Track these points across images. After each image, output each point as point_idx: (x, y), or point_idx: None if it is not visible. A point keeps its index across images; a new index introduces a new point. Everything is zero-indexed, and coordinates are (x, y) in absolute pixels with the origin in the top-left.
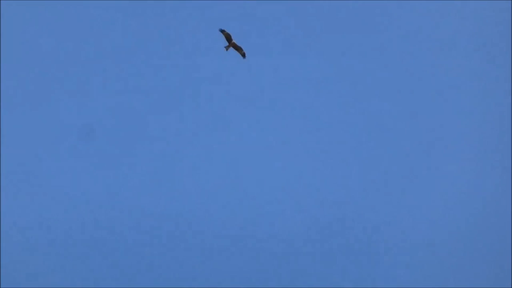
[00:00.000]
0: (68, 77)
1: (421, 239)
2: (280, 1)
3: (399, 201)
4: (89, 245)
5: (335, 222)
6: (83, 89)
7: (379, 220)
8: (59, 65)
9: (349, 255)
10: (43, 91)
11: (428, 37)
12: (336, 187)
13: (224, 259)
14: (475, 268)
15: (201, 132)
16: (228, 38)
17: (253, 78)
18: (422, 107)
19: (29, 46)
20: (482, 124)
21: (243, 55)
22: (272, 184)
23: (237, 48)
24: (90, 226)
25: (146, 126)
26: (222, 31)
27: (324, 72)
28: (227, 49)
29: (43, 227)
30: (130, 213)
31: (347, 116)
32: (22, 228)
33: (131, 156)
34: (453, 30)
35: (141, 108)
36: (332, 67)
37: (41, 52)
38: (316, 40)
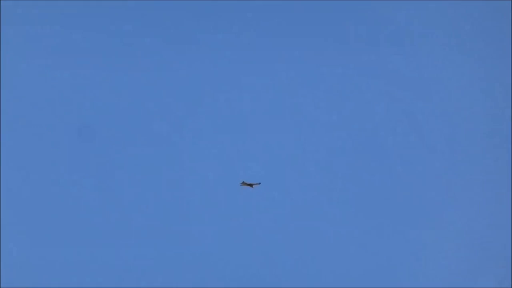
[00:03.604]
0: (68, 78)
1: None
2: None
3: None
4: (89, 246)
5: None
6: (83, 89)
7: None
8: (59, 66)
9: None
10: (43, 91)
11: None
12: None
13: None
14: (475, 268)
15: (203, 133)
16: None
17: (261, 85)
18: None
19: (29, 46)
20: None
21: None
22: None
23: (250, 184)
24: (90, 227)
25: (147, 127)
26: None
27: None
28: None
29: (43, 227)
30: (130, 214)
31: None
32: (22, 228)
33: (131, 156)
34: (453, 31)
35: (142, 108)
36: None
37: (41, 52)
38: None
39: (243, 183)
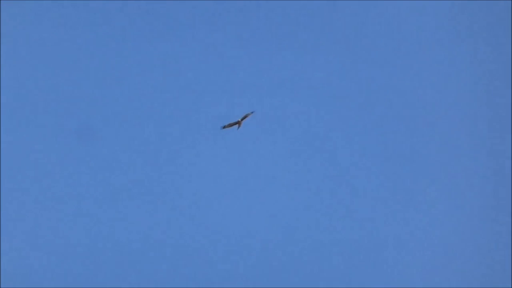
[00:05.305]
0: (69, 79)
1: (420, 241)
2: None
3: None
4: (89, 246)
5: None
6: (83, 89)
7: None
8: (60, 67)
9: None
10: (43, 91)
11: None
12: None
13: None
14: (475, 268)
15: (203, 134)
16: (236, 122)
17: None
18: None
19: (29, 46)
20: (482, 125)
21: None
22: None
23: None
24: (89, 228)
25: (148, 129)
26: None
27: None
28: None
29: (42, 227)
30: (130, 215)
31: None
32: (22, 229)
33: (131, 157)
34: (453, 31)
35: (142, 109)
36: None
37: (41, 52)
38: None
39: (227, 126)
